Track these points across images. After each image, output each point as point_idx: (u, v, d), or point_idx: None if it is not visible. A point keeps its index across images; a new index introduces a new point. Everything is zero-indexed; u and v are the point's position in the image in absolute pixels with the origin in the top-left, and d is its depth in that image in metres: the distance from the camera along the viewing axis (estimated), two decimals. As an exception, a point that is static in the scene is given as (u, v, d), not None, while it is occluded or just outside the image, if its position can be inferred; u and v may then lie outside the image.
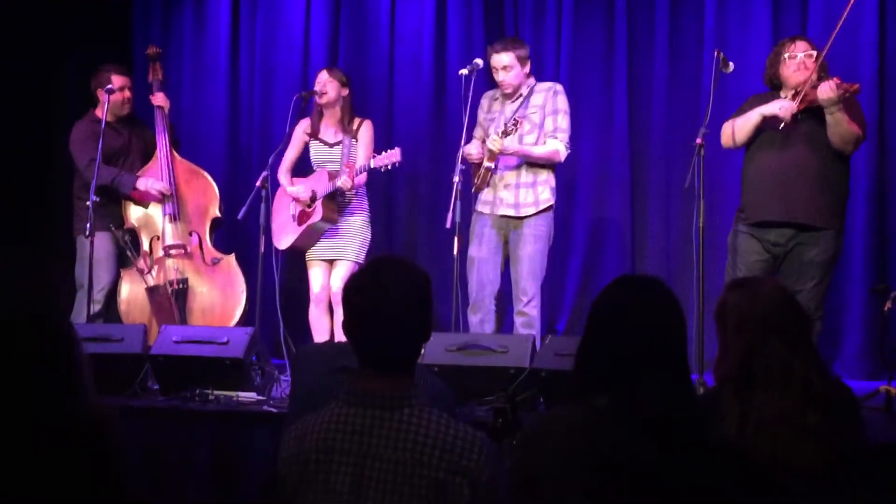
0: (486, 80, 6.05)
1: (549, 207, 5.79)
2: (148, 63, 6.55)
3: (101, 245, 5.96)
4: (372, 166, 5.75)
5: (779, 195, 5.18)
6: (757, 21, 6.64)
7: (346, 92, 6.04)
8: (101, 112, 6.12)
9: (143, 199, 6.26)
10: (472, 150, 5.77)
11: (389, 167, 5.75)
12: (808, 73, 5.18)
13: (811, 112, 5.15)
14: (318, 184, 5.95)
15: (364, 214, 6.06)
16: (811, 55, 5.22)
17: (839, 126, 5.07)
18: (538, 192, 5.75)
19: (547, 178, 5.79)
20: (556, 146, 5.70)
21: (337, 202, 5.96)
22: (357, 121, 6.08)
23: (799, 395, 2.50)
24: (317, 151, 6.09)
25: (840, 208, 5.24)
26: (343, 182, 5.79)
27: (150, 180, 6.20)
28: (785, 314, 2.61)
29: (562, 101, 5.76)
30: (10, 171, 6.86)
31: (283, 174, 6.17)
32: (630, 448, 2.15)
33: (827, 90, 5.03)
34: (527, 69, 5.79)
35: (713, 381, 2.81)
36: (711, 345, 5.33)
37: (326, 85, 5.98)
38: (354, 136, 6.02)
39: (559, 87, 5.87)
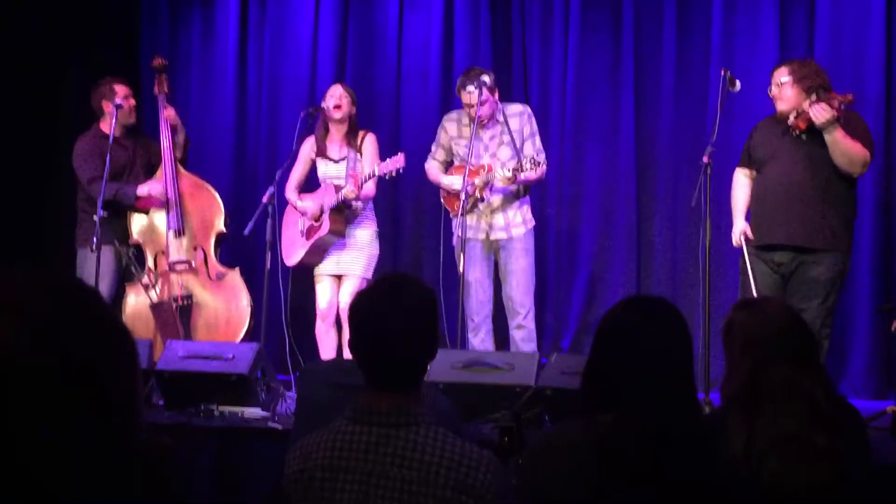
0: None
1: (533, 225, 6.02)
2: (154, 75, 6.48)
3: (104, 260, 5.89)
4: (377, 173, 5.75)
5: (779, 218, 5.17)
6: (764, 37, 6.64)
7: (354, 109, 6.06)
8: (106, 126, 6.07)
9: (147, 206, 6.19)
10: (450, 182, 5.88)
11: (394, 173, 5.75)
12: (784, 102, 5.16)
13: (813, 133, 5.11)
14: (325, 197, 5.96)
15: (371, 228, 6.06)
16: (782, 83, 5.18)
17: (838, 146, 5.03)
18: (524, 211, 5.97)
19: (527, 199, 6.03)
20: (542, 167, 5.85)
21: (344, 215, 5.96)
22: (361, 134, 6.09)
23: (805, 416, 2.50)
24: (323, 168, 6.10)
25: (844, 229, 5.17)
26: (347, 191, 5.79)
27: (149, 184, 6.14)
28: (792, 334, 2.61)
29: (534, 124, 6.00)
30: (12, 181, 6.86)
31: (290, 192, 6.17)
32: (635, 466, 2.15)
33: (818, 113, 5.01)
34: (496, 95, 5.90)
35: (719, 401, 2.81)
36: (717, 363, 5.35)
37: (342, 99, 5.99)
38: (359, 150, 6.03)
39: (528, 109, 6.06)
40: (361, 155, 6.02)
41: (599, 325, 2.31)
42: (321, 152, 6.10)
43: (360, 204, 5.95)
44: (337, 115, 5.97)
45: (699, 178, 5.18)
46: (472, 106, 5.74)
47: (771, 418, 2.49)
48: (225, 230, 6.30)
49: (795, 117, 5.11)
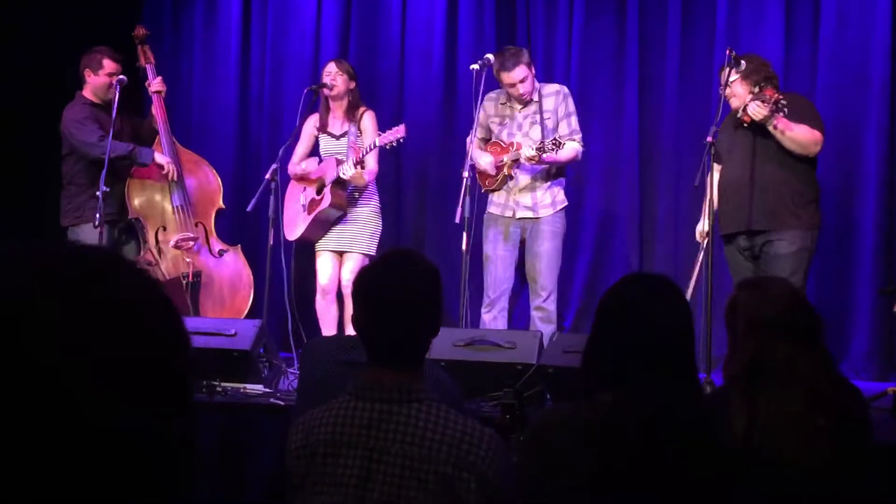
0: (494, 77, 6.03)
1: (565, 206, 5.91)
2: (136, 46, 6.28)
3: (96, 238, 5.73)
4: (378, 144, 5.74)
5: (733, 206, 5.33)
6: (769, 20, 6.62)
7: (353, 84, 6.04)
8: (88, 93, 5.99)
9: (147, 176, 6.07)
10: (484, 162, 5.81)
11: (395, 143, 5.73)
12: (737, 98, 5.30)
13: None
14: (327, 170, 5.96)
15: (373, 204, 6.07)
16: (731, 82, 5.27)
17: (784, 136, 5.18)
18: (554, 192, 5.86)
19: (561, 181, 5.92)
20: (576, 148, 5.81)
21: (346, 189, 5.97)
22: (361, 110, 6.09)
23: (807, 396, 2.50)
24: (325, 144, 6.10)
25: (802, 208, 5.28)
26: (346, 168, 5.78)
27: (167, 158, 6.04)
28: (795, 315, 2.61)
29: (571, 104, 5.88)
30: (13, 184, 6.72)
31: (294, 169, 6.18)
32: (635, 445, 2.16)
33: (753, 111, 5.16)
34: (533, 71, 5.86)
35: (721, 380, 2.81)
36: (719, 343, 5.36)
37: (336, 77, 5.98)
38: (359, 126, 6.03)
39: (566, 89, 5.97)
40: (361, 132, 6.02)
41: (600, 301, 2.31)
42: (323, 128, 6.10)
43: (362, 179, 5.96)
44: (331, 93, 5.98)
45: (703, 158, 5.19)
46: (514, 85, 5.72)
47: (772, 398, 2.50)
48: (224, 206, 6.28)
49: (742, 112, 5.23)
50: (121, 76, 5.91)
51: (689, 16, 6.81)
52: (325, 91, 5.99)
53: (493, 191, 5.86)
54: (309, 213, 6.01)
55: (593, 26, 6.97)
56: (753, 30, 6.66)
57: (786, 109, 5.11)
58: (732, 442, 2.46)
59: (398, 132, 5.66)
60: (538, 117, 5.81)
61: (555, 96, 5.85)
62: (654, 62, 6.88)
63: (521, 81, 5.72)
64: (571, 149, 5.78)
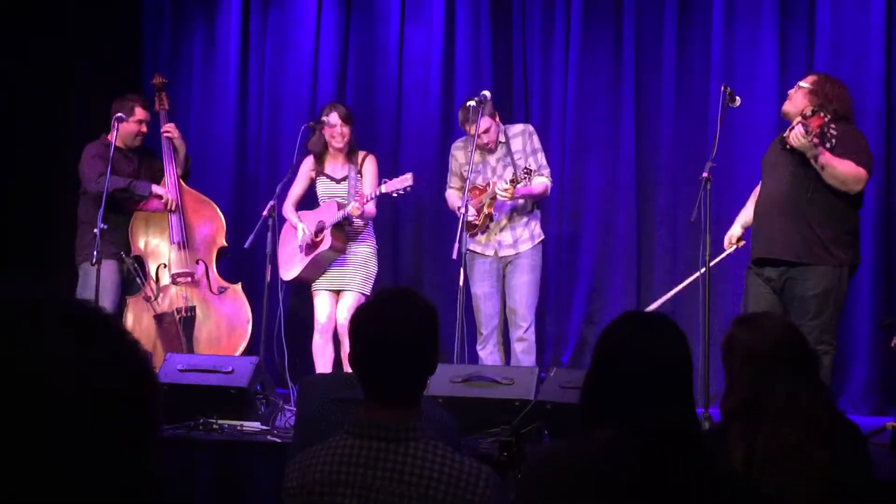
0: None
1: (542, 240, 6.10)
2: (154, 93, 6.58)
3: (107, 273, 5.92)
4: (384, 191, 5.78)
5: (766, 232, 5.14)
6: (764, 52, 6.65)
7: (350, 128, 6.08)
8: (114, 137, 6.10)
9: (152, 209, 6.22)
10: (472, 214, 5.87)
11: (402, 192, 5.79)
12: (791, 103, 5.16)
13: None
14: (327, 213, 5.98)
15: (371, 245, 6.10)
16: (800, 87, 5.17)
17: (825, 170, 4.92)
18: (532, 227, 6.06)
19: (536, 214, 6.13)
20: (545, 182, 6.02)
21: (345, 232, 5.99)
22: (361, 154, 6.12)
23: (805, 431, 2.50)
24: (324, 187, 6.14)
25: (836, 244, 5.04)
26: (352, 208, 5.83)
27: (164, 189, 6.21)
28: (791, 349, 2.61)
29: (537, 141, 6.08)
30: (14, 198, 6.85)
31: (289, 209, 6.20)
32: (634, 482, 2.15)
33: (794, 138, 4.91)
34: (497, 118, 6.00)
35: (719, 416, 2.81)
36: (717, 378, 5.35)
37: (341, 130, 6.03)
38: (359, 170, 6.06)
39: (530, 127, 6.15)
40: (362, 175, 6.06)
41: (598, 340, 2.31)
42: (321, 171, 6.12)
43: (360, 221, 5.98)
44: (338, 145, 6.04)
45: (699, 194, 5.17)
46: (479, 136, 5.81)
47: (770, 433, 2.50)
48: (226, 245, 6.34)
49: (789, 130, 5.02)
50: (119, 115, 6.07)
51: (683, 48, 6.85)
52: (332, 143, 6.04)
53: (478, 233, 5.99)
54: (307, 255, 6.03)
55: (590, 58, 7.01)
56: (748, 58, 6.69)
57: (833, 141, 4.89)
58: (731, 477, 2.45)
59: (406, 181, 5.73)
60: (509, 159, 5.98)
61: (521, 136, 6.04)
62: (651, 93, 6.91)
63: (485, 132, 5.86)
64: (541, 183, 5.98)
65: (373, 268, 6.08)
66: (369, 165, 6.10)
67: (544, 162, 6.05)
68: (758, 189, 5.37)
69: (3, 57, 6.81)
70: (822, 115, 4.94)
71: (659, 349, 2.23)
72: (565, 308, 6.91)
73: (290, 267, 6.11)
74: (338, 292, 6.05)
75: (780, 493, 2.43)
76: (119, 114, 6.07)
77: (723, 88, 5.30)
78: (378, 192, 5.83)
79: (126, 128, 6.12)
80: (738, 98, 5.30)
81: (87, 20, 7.16)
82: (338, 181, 6.10)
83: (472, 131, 5.80)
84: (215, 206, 6.42)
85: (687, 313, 6.27)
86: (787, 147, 5.01)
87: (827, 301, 5.01)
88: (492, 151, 6.01)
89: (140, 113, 6.20)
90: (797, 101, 5.14)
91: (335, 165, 6.13)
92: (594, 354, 2.29)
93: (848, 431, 2.65)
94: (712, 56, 6.73)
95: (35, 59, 6.91)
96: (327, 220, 5.95)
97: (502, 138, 6.01)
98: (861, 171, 4.98)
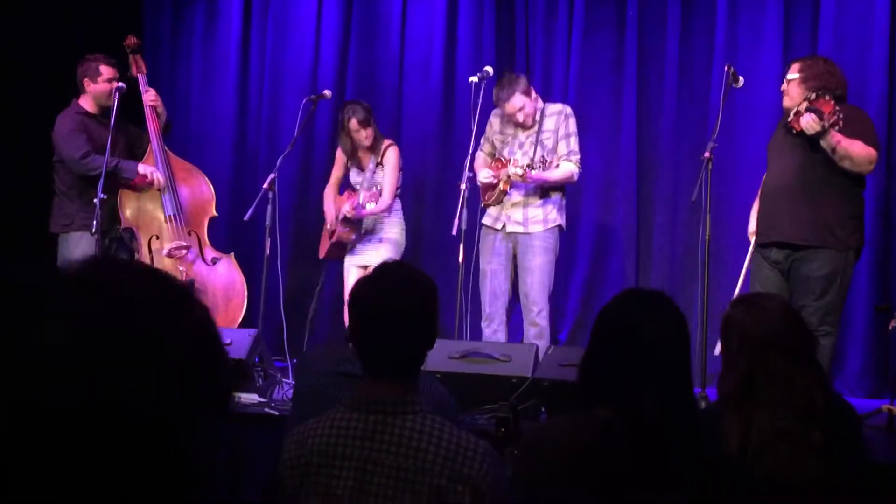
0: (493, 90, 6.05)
1: (558, 227, 5.91)
2: (127, 55, 6.23)
3: (89, 246, 5.74)
4: (374, 211, 5.99)
5: (773, 216, 5.14)
6: (767, 36, 6.63)
7: (371, 129, 6.10)
8: (85, 102, 5.98)
9: (140, 185, 6.03)
10: (485, 176, 5.85)
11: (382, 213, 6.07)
12: (789, 98, 5.12)
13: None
14: (347, 203, 6.07)
15: (400, 224, 6.19)
16: (789, 80, 5.14)
17: (836, 152, 4.90)
18: (547, 210, 5.87)
19: (556, 199, 5.91)
20: (571, 169, 5.81)
21: (355, 223, 6.09)
22: (385, 144, 6.16)
23: (801, 413, 2.51)
24: (354, 176, 6.24)
25: (842, 226, 5.04)
26: (346, 210, 5.96)
27: (149, 166, 6.01)
28: (788, 331, 2.62)
29: (572, 124, 5.88)
30: (14, 198, 6.69)
31: (327, 192, 6.33)
32: (630, 461, 2.16)
33: (806, 124, 4.88)
34: (533, 95, 5.88)
35: (716, 396, 2.82)
36: (714, 359, 5.36)
37: (362, 133, 6.06)
38: (380, 161, 6.10)
39: (569, 109, 5.97)
40: (383, 166, 6.07)
41: (597, 318, 2.31)
42: (352, 160, 6.22)
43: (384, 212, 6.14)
44: (366, 144, 6.11)
45: (700, 174, 5.17)
46: (513, 114, 5.78)
47: (767, 415, 2.50)
48: (216, 214, 6.27)
49: (794, 115, 5.01)
50: (120, 83, 5.91)
51: (687, 30, 6.82)
52: (362, 142, 6.10)
53: (491, 205, 5.90)
54: (329, 238, 6.22)
55: (592, 40, 6.98)
56: (752, 42, 6.67)
57: (841, 123, 4.85)
58: (727, 457, 2.46)
59: (383, 206, 5.98)
60: (537, 137, 5.86)
61: (556, 116, 5.89)
62: (653, 76, 6.88)
63: (520, 110, 5.78)
64: (566, 169, 5.79)
65: (401, 246, 6.16)
66: (390, 157, 6.13)
67: (576, 147, 5.86)
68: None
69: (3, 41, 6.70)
70: (827, 97, 4.93)
71: (657, 327, 2.23)
72: (563, 287, 6.90)
73: (323, 247, 6.30)
74: (366, 268, 6.08)
75: (776, 475, 2.44)
76: (84, 79, 5.92)
77: (726, 68, 5.29)
78: (363, 213, 5.96)
79: (96, 89, 5.94)
80: (741, 78, 5.28)
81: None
82: (361, 171, 6.19)
83: (508, 109, 5.77)
84: (204, 175, 6.32)
85: (686, 293, 6.29)
86: (794, 131, 5.00)
87: (832, 283, 5.02)
88: (529, 127, 5.92)
89: (106, 71, 5.96)
90: (793, 94, 5.12)
91: (364, 157, 6.20)
92: (593, 332, 2.30)
93: (844, 413, 2.66)
94: (716, 39, 6.71)
95: (30, 32, 6.80)
96: (342, 210, 6.06)
97: (538, 115, 5.89)
98: (872, 152, 4.99)
